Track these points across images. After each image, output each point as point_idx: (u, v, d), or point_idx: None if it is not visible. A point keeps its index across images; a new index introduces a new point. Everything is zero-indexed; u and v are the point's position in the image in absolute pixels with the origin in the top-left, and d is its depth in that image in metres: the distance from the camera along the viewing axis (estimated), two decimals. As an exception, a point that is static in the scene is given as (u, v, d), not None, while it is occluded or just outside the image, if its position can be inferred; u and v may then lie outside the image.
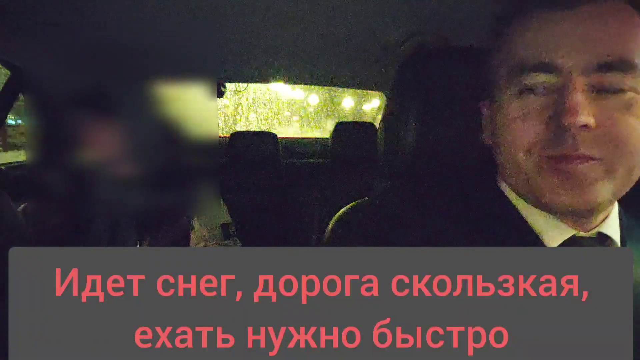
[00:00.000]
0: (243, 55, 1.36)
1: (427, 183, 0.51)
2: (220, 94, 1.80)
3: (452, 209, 0.44)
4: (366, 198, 0.52)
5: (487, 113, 0.45)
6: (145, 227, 1.09)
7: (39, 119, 1.20)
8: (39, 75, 1.23)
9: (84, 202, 1.03)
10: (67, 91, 1.22)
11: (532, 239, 0.41)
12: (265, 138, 1.82)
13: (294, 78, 1.77)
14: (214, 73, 1.64)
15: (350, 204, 0.51)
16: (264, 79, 1.82)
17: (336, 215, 0.51)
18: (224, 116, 2.90)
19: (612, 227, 0.41)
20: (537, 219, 0.41)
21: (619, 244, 0.41)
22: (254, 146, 1.79)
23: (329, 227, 0.50)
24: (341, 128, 1.81)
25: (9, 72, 1.24)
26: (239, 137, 1.81)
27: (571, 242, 0.40)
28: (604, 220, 0.41)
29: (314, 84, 1.93)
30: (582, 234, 0.40)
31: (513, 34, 0.39)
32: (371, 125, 1.83)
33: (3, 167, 1.37)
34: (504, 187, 0.44)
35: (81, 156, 1.03)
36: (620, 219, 0.43)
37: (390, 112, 0.54)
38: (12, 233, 0.62)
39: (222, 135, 1.94)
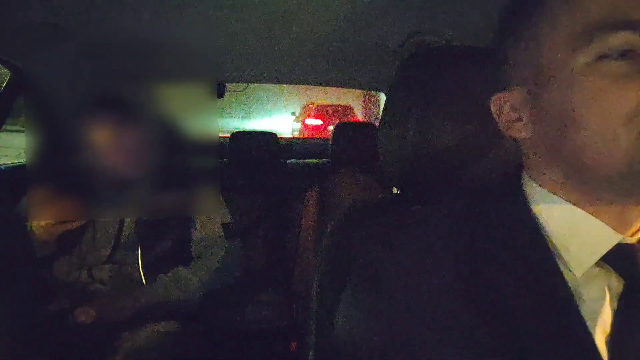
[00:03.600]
0: (243, 55, 1.36)
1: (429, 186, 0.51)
2: (221, 94, 1.80)
3: (454, 211, 0.43)
4: (368, 199, 0.52)
5: (517, 100, 0.38)
6: (146, 228, 1.09)
7: (39, 119, 1.20)
8: (40, 76, 1.23)
9: (85, 203, 1.03)
10: (67, 92, 1.22)
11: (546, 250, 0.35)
12: (266, 138, 1.82)
13: (294, 78, 1.77)
14: (214, 73, 1.64)
15: (351, 203, 0.51)
16: (264, 79, 1.82)
17: (337, 215, 0.51)
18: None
19: None
20: (584, 223, 0.35)
21: None
22: (254, 146, 1.79)
23: (330, 226, 0.50)
24: (341, 128, 1.81)
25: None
26: (239, 137, 1.81)
27: (618, 250, 0.34)
28: None
29: (314, 84, 1.93)
30: (627, 239, 0.35)
31: None
32: (371, 125, 1.83)
33: (3, 168, 1.37)
34: (533, 188, 0.39)
35: (82, 156, 1.03)
36: None
37: (390, 112, 0.54)
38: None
39: (222, 135, 1.94)
